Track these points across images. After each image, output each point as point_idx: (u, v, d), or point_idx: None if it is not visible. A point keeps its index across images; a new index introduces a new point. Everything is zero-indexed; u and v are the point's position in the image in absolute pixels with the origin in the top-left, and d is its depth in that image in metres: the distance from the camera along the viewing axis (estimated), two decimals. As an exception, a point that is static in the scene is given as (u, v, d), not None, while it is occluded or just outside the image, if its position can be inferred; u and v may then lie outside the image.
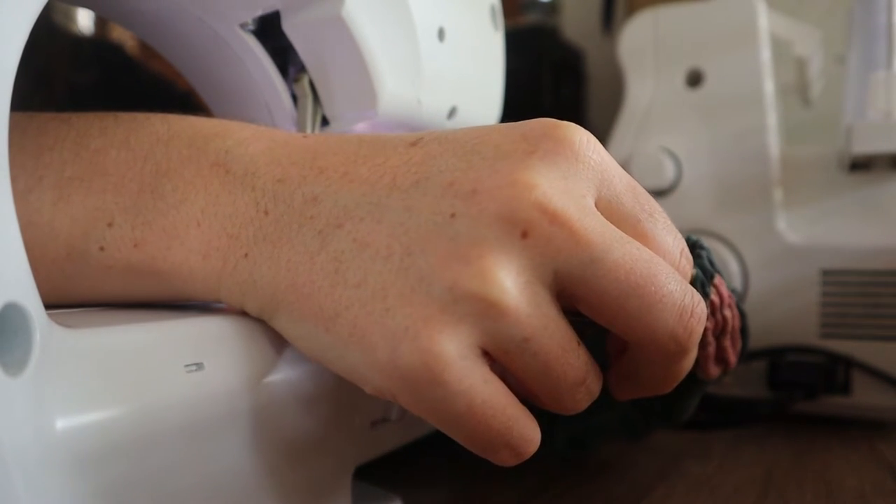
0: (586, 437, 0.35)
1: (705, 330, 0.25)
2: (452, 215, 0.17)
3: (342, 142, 0.20)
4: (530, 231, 0.17)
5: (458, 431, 0.18)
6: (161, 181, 0.20)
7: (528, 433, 0.18)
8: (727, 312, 0.25)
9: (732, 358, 0.26)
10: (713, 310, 0.25)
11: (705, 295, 0.25)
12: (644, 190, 0.21)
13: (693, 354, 0.20)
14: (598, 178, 0.19)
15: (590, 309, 0.18)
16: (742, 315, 0.28)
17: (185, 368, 0.19)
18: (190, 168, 0.20)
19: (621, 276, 0.18)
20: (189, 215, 0.20)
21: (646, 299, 0.18)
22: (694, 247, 0.26)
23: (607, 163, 0.20)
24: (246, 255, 0.19)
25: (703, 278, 0.25)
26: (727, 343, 0.26)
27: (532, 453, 0.19)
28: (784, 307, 0.44)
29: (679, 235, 0.21)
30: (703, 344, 0.26)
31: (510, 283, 0.17)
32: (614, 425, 0.35)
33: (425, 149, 0.19)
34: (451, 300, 0.17)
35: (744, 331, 0.28)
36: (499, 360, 0.18)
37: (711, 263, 0.25)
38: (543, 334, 0.17)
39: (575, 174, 0.19)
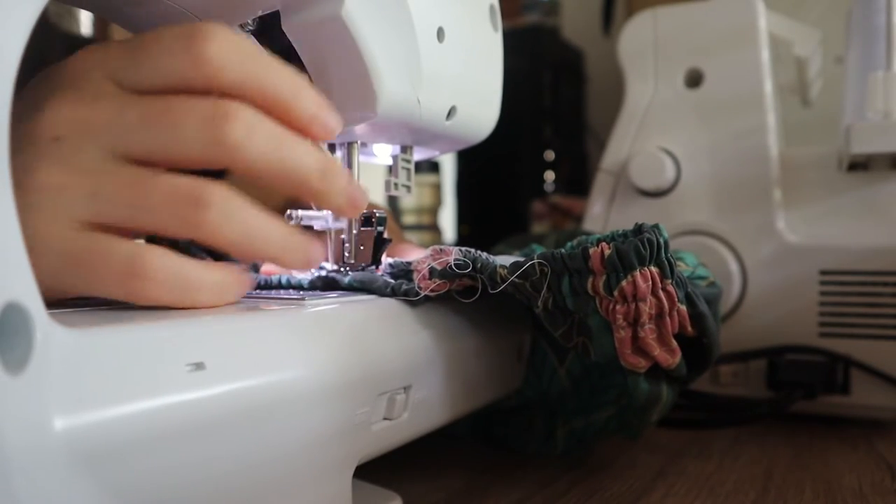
0: (585, 435, 0.36)
1: (616, 313, 0.26)
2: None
3: None
4: None
5: None
6: None
7: None
8: (642, 304, 0.26)
9: (655, 351, 0.27)
10: (624, 297, 0.26)
11: (617, 279, 0.25)
12: None
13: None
14: None
15: None
16: (700, 316, 0.28)
17: (185, 368, 0.19)
18: None
19: None
20: None
21: None
22: (638, 232, 0.26)
23: None
24: None
25: (619, 264, 0.25)
26: (644, 333, 0.26)
27: None
28: (783, 307, 0.45)
29: None
30: (616, 328, 0.26)
31: None
32: (613, 423, 0.35)
33: None
34: None
35: (706, 334, 0.28)
36: None
37: (652, 256, 0.26)
38: None
39: None
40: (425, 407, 0.28)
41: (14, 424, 0.15)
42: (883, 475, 0.34)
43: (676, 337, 0.27)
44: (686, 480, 0.33)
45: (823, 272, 0.44)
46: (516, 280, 0.27)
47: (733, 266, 0.46)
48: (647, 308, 0.26)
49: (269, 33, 0.28)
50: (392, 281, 0.29)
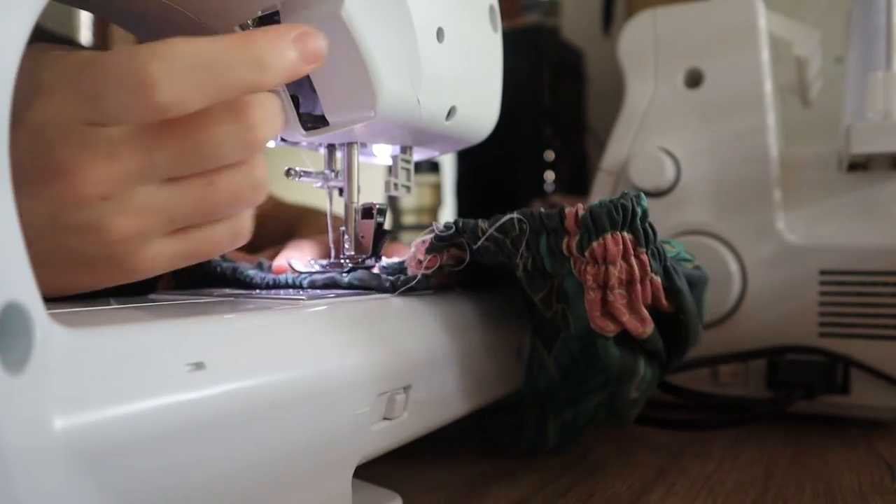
0: (576, 425, 0.36)
1: (586, 274, 0.27)
2: None
3: None
4: None
5: None
6: None
7: None
8: (612, 268, 0.27)
9: (624, 317, 0.27)
10: (594, 258, 0.27)
11: (589, 240, 0.27)
12: None
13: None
14: None
15: None
16: (677, 292, 0.28)
17: (185, 368, 0.19)
18: None
19: None
20: None
21: None
22: (623, 196, 0.27)
23: None
24: None
25: (591, 225, 0.27)
26: (613, 297, 0.27)
27: None
28: (783, 307, 0.45)
29: None
30: (586, 289, 0.27)
31: None
32: (602, 411, 0.35)
33: None
34: None
35: (682, 310, 0.29)
36: None
37: (626, 221, 0.27)
38: None
39: None
40: (425, 407, 0.28)
41: (14, 424, 0.15)
42: (882, 475, 0.34)
43: (656, 312, 0.28)
44: (686, 480, 0.33)
45: (823, 272, 0.44)
46: (497, 235, 0.29)
47: (733, 266, 0.46)
48: (616, 272, 0.27)
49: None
50: (390, 277, 0.30)
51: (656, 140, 0.50)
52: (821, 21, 0.69)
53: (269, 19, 0.27)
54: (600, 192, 0.52)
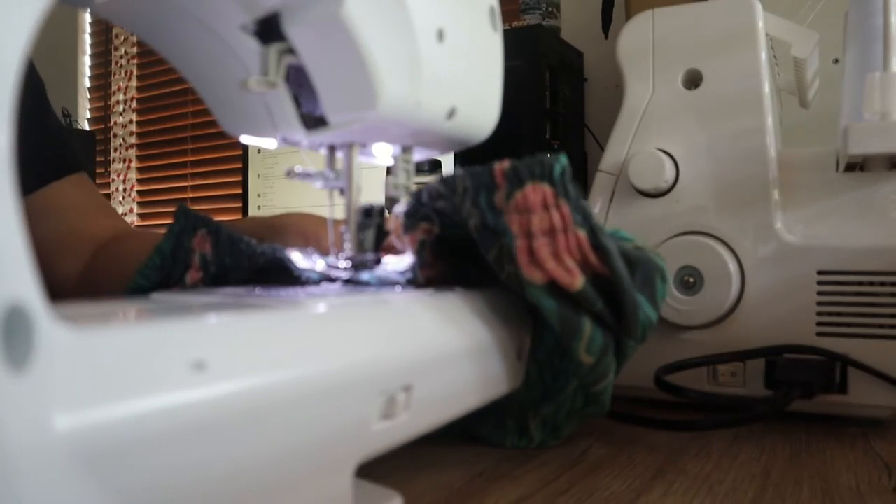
0: (557, 419, 0.36)
1: (512, 223, 0.29)
2: None
3: None
4: None
5: None
6: None
7: None
8: (534, 216, 0.29)
9: (549, 264, 0.29)
10: (517, 207, 0.29)
11: (512, 191, 0.29)
12: None
13: None
14: None
15: None
16: (604, 250, 0.30)
17: (186, 368, 0.19)
18: None
19: None
20: None
21: None
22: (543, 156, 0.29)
23: None
24: None
25: (514, 177, 0.29)
26: (537, 245, 0.29)
27: None
28: (781, 307, 0.45)
29: None
30: (515, 237, 0.29)
31: None
32: (579, 398, 0.35)
33: None
34: None
35: (614, 272, 0.30)
36: None
37: (545, 174, 0.29)
38: None
39: None
40: (426, 407, 0.28)
41: (16, 424, 0.15)
42: (880, 474, 0.34)
43: (600, 280, 0.30)
44: (685, 479, 0.33)
45: (821, 272, 0.44)
46: (446, 192, 0.31)
47: (732, 266, 0.46)
48: (537, 220, 0.29)
49: (270, 34, 0.28)
50: (398, 277, 0.32)
51: (655, 141, 0.50)
52: (818, 22, 0.69)
53: (270, 20, 0.27)
54: (600, 192, 0.52)
